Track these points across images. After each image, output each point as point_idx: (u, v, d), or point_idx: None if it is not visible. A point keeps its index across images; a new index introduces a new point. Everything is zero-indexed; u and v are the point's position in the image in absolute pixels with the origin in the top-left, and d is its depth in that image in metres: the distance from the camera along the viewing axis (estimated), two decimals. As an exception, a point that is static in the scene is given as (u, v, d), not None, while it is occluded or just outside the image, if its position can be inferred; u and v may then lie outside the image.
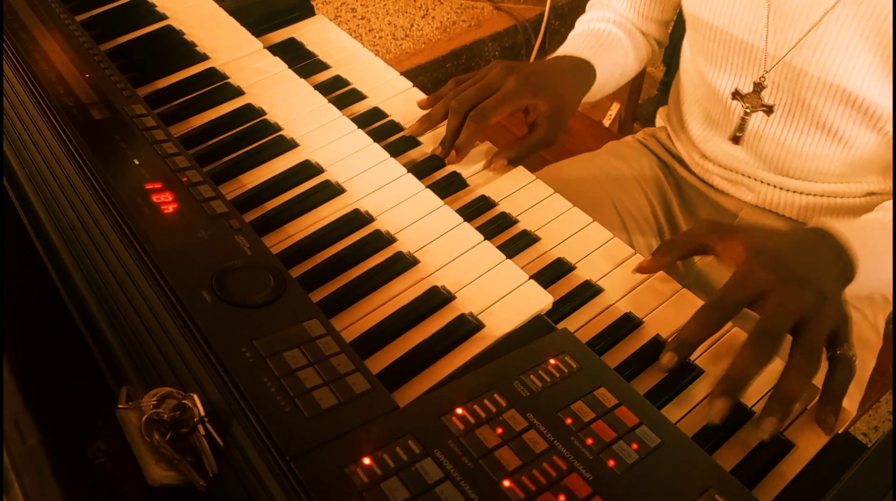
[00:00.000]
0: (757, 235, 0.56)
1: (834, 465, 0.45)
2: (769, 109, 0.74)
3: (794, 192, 0.81)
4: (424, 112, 0.70)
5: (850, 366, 0.49)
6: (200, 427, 0.39)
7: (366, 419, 0.39)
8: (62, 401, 0.48)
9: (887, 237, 0.60)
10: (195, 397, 0.40)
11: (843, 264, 0.56)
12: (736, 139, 0.78)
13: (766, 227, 0.53)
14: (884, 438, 0.44)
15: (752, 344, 0.48)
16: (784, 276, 0.50)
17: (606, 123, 1.45)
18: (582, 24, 0.90)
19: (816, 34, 0.68)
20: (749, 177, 0.84)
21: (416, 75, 1.89)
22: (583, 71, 0.77)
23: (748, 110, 0.76)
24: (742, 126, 0.77)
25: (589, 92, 0.79)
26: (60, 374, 0.49)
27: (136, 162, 0.54)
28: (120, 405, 0.42)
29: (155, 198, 0.51)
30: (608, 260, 0.58)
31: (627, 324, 0.54)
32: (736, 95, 0.77)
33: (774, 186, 0.82)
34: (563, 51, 0.83)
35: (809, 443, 0.47)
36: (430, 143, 0.69)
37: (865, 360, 0.79)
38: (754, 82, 0.74)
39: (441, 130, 0.68)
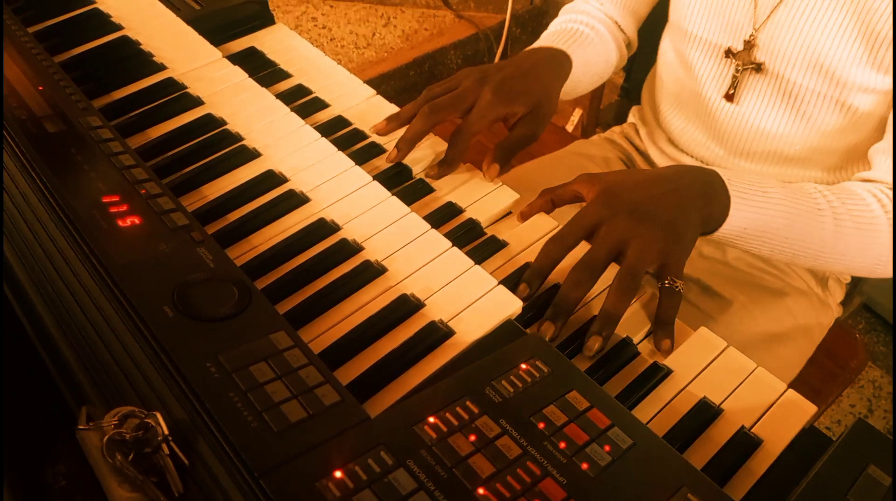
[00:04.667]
0: (616, 175, 0.61)
1: (801, 459, 0.46)
2: (758, 67, 0.75)
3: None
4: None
5: (675, 295, 0.54)
6: (164, 447, 0.38)
7: (336, 432, 0.38)
8: (19, 423, 0.46)
9: (764, 200, 0.63)
10: (158, 415, 0.39)
11: (708, 199, 0.59)
12: (729, 97, 0.79)
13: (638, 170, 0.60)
14: (847, 431, 0.45)
15: (572, 276, 0.53)
16: (616, 209, 0.56)
17: (569, 128, 1.47)
18: (554, 25, 0.91)
19: None
20: (709, 165, 0.86)
21: (380, 84, 1.89)
22: (558, 61, 0.77)
23: (739, 68, 0.77)
24: (735, 83, 0.78)
25: (565, 87, 0.78)
26: (16, 395, 0.48)
27: (93, 175, 0.53)
28: (80, 426, 0.40)
29: (112, 211, 0.50)
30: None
31: (596, 327, 0.54)
32: (729, 53, 0.77)
33: None
34: (537, 44, 0.82)
35: (776, 439, 0.48)
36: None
37: (790, 358, 0.81)
38: (744, 40, 0.75)
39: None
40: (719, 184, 0.61)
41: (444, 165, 0.65)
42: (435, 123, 0.65)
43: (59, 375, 0.47)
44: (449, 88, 0.68)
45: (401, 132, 0.66)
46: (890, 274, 0.68)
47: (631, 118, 1.01)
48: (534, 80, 0.70)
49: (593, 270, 0.54)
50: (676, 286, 0.55)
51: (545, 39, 0.85)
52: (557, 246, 0.56)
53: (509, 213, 0.64)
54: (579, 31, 0.86)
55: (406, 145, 0.65)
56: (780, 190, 0.64)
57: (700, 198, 0.59)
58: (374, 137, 0.69)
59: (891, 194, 0.67)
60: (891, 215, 0.66)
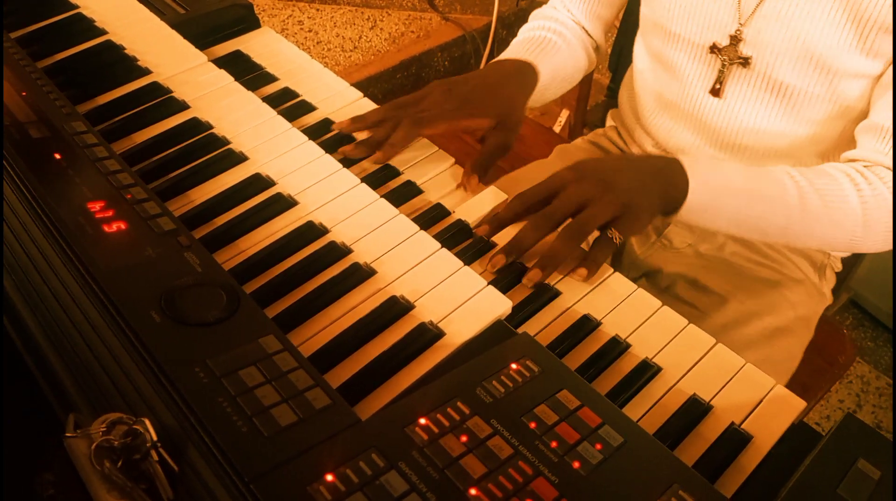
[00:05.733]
0: (589, 158, 0.65)
1: (791, 454, 0.46)
2: (745, 62, 0.76)
3: None
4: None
5: (610, 244, 0.59)
6: (153, 453, 0.38)
7: (327, 435, 0.38)
8: (6, 431, 0.46)
9: (722, 179, 0.65)
10: (146, 422, 0.38)
11: (668, 182, 0.63)
12: (715, 91, 0.80)
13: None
14: (837, 426, 0.45)
15: (531, 220, 0.58)
16: (582, 175, 0.60)
17: (557, 129, 1.47)
18: (523, 32, 0.91)
19: None
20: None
21: (367, 87, 1.89)
22: (523, 73, 0.78)
23: (725, 62, 0.77)
24: (721, 78, 0.79)
25: (533, 96, 0.79)
26: (2, 403, 0.47)
27: (78, 181, 0.52)
28: (68, 434, 0.40)
29: (98, 217, 0.49)
30: (564, 263, 0.59)
31: (586, 326, 0.54)
32: (714, 48, 0.78)
33: None
34: (503, 56, 0.83)
35: (766, 435, 0.48)
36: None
37: (792, 349, 0.81)
38: (730, 35, 0.76)
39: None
40: (678, 168, 0.63)
41: (390, 146, 0.66)
42: (415, 134, 0.67)
43: (46, 382, 0.46)
44: (416, 99, 0.70)
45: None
46: (867, 249, 0.70)
47: (610, 121, 1.02)
48: (499, 92, 0.72)
49: (552, 219, 0.58)
50: (617, 239, 0.59)
51: (513, 49, 0.85)
52: (518, 201, 0.60)
53: (498, 214, 0.64)
54: (546, 38, 0.86)
55: (368, 148, 0.67)
56: (741, 171, 0.66)
57: (661, 180, 0.63)
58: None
59: (869, 172, 0.68)
60: (863, 192, 0.66)
